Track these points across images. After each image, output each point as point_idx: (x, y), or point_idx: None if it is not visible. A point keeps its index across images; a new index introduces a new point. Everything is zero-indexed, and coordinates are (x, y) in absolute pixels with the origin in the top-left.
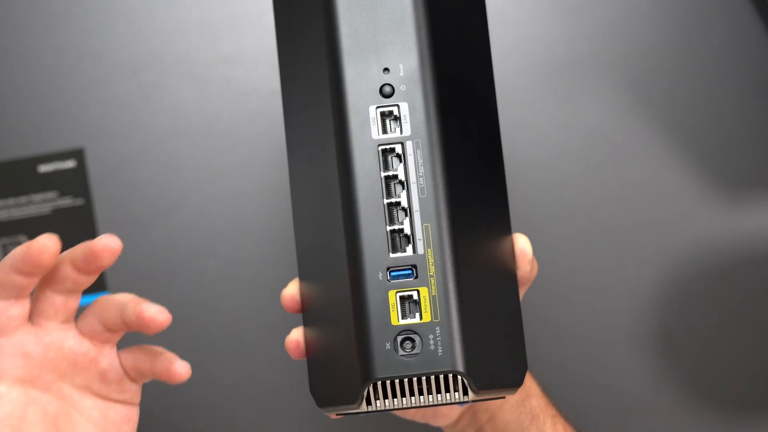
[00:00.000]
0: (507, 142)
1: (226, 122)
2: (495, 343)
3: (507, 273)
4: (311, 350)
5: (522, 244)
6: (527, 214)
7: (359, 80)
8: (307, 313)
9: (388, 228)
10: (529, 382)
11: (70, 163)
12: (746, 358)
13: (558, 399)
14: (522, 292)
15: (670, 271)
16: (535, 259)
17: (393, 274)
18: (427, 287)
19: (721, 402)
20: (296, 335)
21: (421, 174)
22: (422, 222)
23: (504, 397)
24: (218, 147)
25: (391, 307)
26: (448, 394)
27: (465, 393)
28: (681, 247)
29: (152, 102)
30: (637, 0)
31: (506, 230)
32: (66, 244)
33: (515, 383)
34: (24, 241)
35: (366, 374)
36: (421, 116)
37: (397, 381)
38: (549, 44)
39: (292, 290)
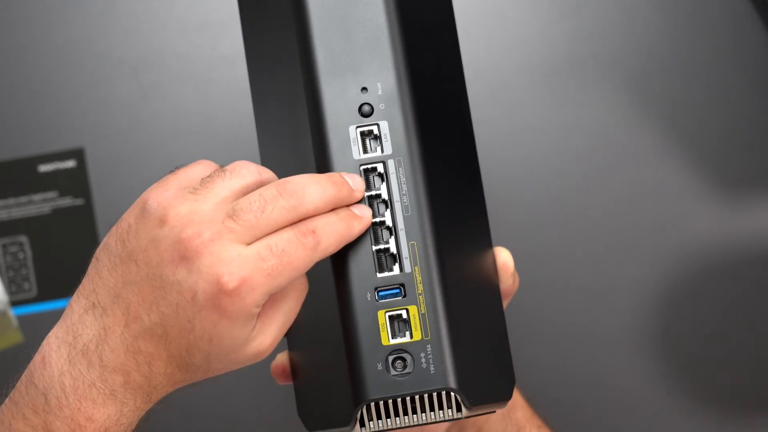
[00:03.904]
0: (507, 142)
1: (226, 122)
2: (484, 358)
3: (491, 287)
4: (299, 373)
5: (504, 257)
6: (527, 215)
7: (338, 101)
8: (293, 336)
9: (374, 248)
10: (514, 393)
11: (70, 163)
12: (746, 358)
13: (556, 401)
14: (504, 305)
15: (670, 271)
16: (516, 273)
17: (381, 293)
18: (416, 305)
19: (721, 402)
20: (282, 360)
21: (404, 192)
22: (408, 240)
23: (494, 411)
24: (218, 147)
25: (381, 327)
26: (441, 412)
27: (458, 409)
28: (681, 247)
29: (152, 102)
30: (637, 0)
31: (488, 244)
32: (66, 244)
33: (505, 396)
34: (24, 242)
35: (359, 396)
36: (401, 134)
37: (390, 401)
38: (549, 44)
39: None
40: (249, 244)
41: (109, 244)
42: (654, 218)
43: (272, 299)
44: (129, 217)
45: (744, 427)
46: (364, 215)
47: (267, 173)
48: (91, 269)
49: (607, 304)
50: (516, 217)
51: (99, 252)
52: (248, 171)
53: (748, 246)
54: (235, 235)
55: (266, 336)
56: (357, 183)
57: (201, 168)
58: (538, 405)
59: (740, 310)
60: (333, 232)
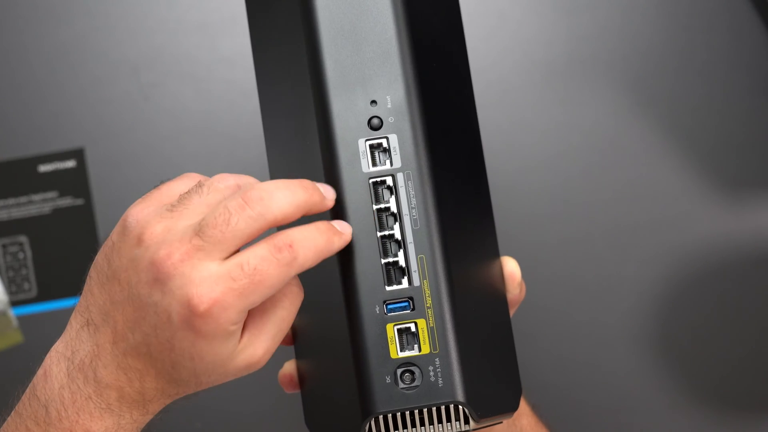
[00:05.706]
0: (507, 143)
1: (226, 122)
2: (491, 370)
3: (498, 297)
4: (306, 383)
5: (511, 267)
6: (527, 215)
7: (347, 113)
8: (301, 346)
9: (383, 261)
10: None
11: (70, 163)
12: (746, 358)
13: (556, 401)
14: (510, 314)
15: (670, 271)
16: (523, 282)
17: (390, 306)
18: (425, 319)
19: (721, 402)
20: (289, 369)
21: (413, 206)
22: (417, 253)
23: (501, 422)
24: (218, 147)
25: (389, 340)
26: (449, 424)
27: (466, 422)
28: (681, 247)
29: (152, 102)
30: (637, 0)
31: (495, 254)
32: (66, 244)
33: (512, 407)
34: (24, 242)
35: (367, 409)
36: (410, 147)
37: (398, 414)
38: (549, 44)
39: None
40: (223, 258)
41: (98, 262)
42: (654, 218)
43: (261, 309)
44: (113, 234)
45: (744, 427)
46: (344, 231)
47: (245, 180)
48: (85, 286)
49: (607, 304)
50: (515, 216)
51: (91, 269)
52: (225, 185)
53: (748, 246)
54: (204, 253)
55: (257, 347)
56: (328, 191)
57: (185, 182)
58: (539, 406)
59: (740, 310)
60: (311, 246)
